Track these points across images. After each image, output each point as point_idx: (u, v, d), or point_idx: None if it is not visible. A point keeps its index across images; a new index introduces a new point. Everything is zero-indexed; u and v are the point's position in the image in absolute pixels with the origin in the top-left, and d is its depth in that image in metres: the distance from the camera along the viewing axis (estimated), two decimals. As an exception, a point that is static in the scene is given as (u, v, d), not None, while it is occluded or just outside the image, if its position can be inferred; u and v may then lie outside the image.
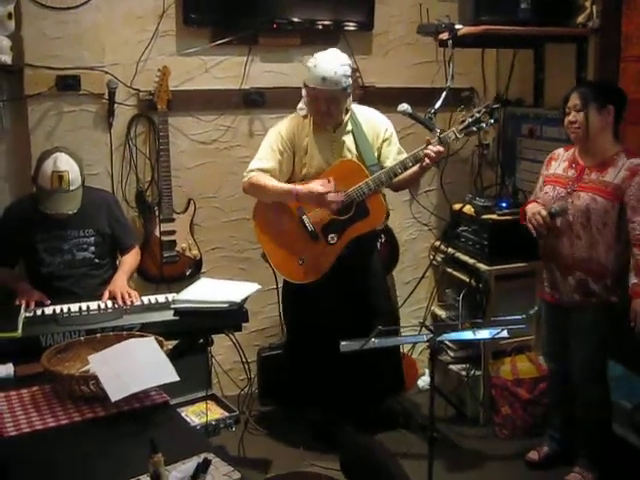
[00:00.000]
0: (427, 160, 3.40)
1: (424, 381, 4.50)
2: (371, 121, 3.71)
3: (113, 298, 3.31)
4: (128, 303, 3.25)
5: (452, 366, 4.30)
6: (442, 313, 4.50)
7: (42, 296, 3.30)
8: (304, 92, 3.60)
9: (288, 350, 4.07)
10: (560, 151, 3.47)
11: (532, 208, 3.35)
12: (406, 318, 4.65)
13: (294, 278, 3.66)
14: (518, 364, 3.98)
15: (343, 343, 2.85)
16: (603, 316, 3.26)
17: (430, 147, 3.39)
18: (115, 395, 2.25)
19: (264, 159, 3.59)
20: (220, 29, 4.10)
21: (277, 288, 3.96)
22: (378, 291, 3.86)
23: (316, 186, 3.45)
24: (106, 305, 3.24)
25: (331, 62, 3.46)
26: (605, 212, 3.17)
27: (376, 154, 3.67)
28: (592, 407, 3.38)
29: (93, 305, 3.22)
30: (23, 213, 3.53)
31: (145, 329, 2.89)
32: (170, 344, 3.04)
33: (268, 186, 3.53)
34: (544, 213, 3.26)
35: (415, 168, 3.49)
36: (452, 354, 4.34)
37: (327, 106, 3.49)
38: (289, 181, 3.62)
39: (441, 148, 3.40)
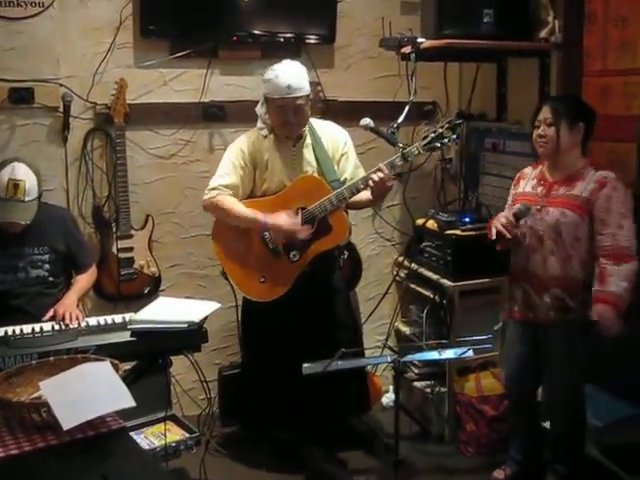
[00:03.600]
0: (370, 183, 3.35)
1: (388, 398, 4.46)
2: (330, 134, 3.68)
3: (55, 318, 3.24)
4: (71, 324, 3.16)
5: (416, 383, 4.24)
6: (406, 329, 4.45)
7: None
8: (263, 109, 3.56)
9: (247, 369, 3.99)
10: (528, 170, 3.44)
11: (497, 217, 3.33)
12: (369, 334, 4.61)
13: (255, 296, 3.59)
14: (483, 381, 3.95)
15: (305, 365, 2.79)
16: (580, 335, 3.18)
17: (377, 173, 3.33)
18: (67, 423, 2.15)
19: (225, 175, 3.54)
20: (179, 41, 4.04)
21: (237, 306, 3.90)
22: (339, 308, 3.80)
23: (285, 221, 3.43)
24: (60, 326, 3.14)
25: (292, 69, 3.45)
26: (576, 226, 3.13)
27: (336, 167, 3.63)
28: (569, 429, 3.34)
29: (47, 326, 3.11)
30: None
31: (101, 351, 2.78)
32: (127, 365, 2.96)
33: (233, 211, 3.49)
34: (510, 217, 3.24)
35: (370, 196, 3.46)
36: (416, 371, 4.28)
37: (295, 114, 3.45)
38: (250, 196, 3.58)
39: (381, 174, 3.31)
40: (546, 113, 3.18)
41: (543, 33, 3.77)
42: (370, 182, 3.35)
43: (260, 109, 3.60)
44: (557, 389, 3.35)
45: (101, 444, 2.20)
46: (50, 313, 3.28)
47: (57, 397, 2.22)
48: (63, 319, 3.20)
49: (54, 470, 2.07)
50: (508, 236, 3.20)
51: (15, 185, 3.28)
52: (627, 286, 3.03)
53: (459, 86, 4.62)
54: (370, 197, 3.51)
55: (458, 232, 4.00)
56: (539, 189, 3.29)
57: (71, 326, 3.15)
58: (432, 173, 4.66)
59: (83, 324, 3.18)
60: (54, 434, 2.20)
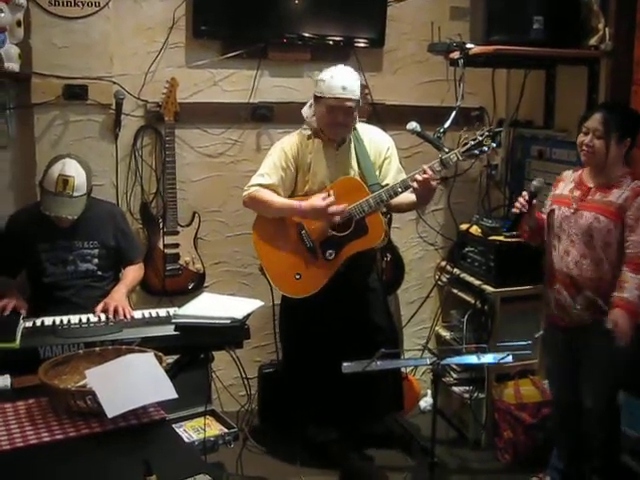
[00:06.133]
0: (414, 184, 3.38)
1: (426, 402, 4.46)
2: (374, 139, 3.70)
3: (106, 311, 3.26)
4: (121, 317, 3.20)
5: (455, 388, 4.24)
6: (446, 334, 4.45)
7: (20, 305, 3.24)
8: (310, 111, 3.60)
9: (285, 367, 4.02)
10: (568, 173, 3.44)
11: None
12: (409, 338, 4.62)
13: (290, 292, 3.63)
14: (522, 388, 3.93)
15: (345, 364, 2.81)
16: (613, 340, 3.15)
17: (418, 174, 3.36)
18: (112, 411, 2.21)
19: (266, 175, 3.58)
20: (230, 42, 4.09)
21: (273, 305, 3.94)
22: (375, 307, 3.82)
23: (318, 200, 3.45)
24: (107, 318, 3.19)
25: (347, 72, 3.51)
26: (608, 231, 3.13)
27: (377, 172, 3.65)
28: (602, 436, 3.30)
29: (93, 317, 3.18)
30: (28, 221, 3.51)
31: (145, 343, 2.83)
32: (170, 358, 3.00)
33: (270, 201, 3.54)
34: (525, 194, 3.28)
35: (414, 198, 3.49)
36: (455, 376, 4.28)
37: (344, 116, 3.48)
38: (291, 197, 3.62)
39: (425, 175, 3.33)
40: (597, 123, 3.13)
41: (593, 41, 3.74)
42: (415, 183, 3.37)
43: (307, 111, 3.64)
44: (591, 395, 3.31)
45: (143, 433, 2.25)
46: (101, 306, 3.29)
47: (102, 386, 2.28)
48: (115, 312, 3.23)
49: (98, 454, 2.12)
50: (524, 209, 3.26)
51: (65, 181, 3.34)
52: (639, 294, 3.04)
53: (507, 92, 4.60)
54: (414, 200, 3.53)
55: (501, 238, 4.00)
56: (576, 192, 3.29)
57: (120, 318, 3.19)
58: (477, 179, 4.65)
59: (128, 317, 3.23)
60: (98, 421, 2.26)
